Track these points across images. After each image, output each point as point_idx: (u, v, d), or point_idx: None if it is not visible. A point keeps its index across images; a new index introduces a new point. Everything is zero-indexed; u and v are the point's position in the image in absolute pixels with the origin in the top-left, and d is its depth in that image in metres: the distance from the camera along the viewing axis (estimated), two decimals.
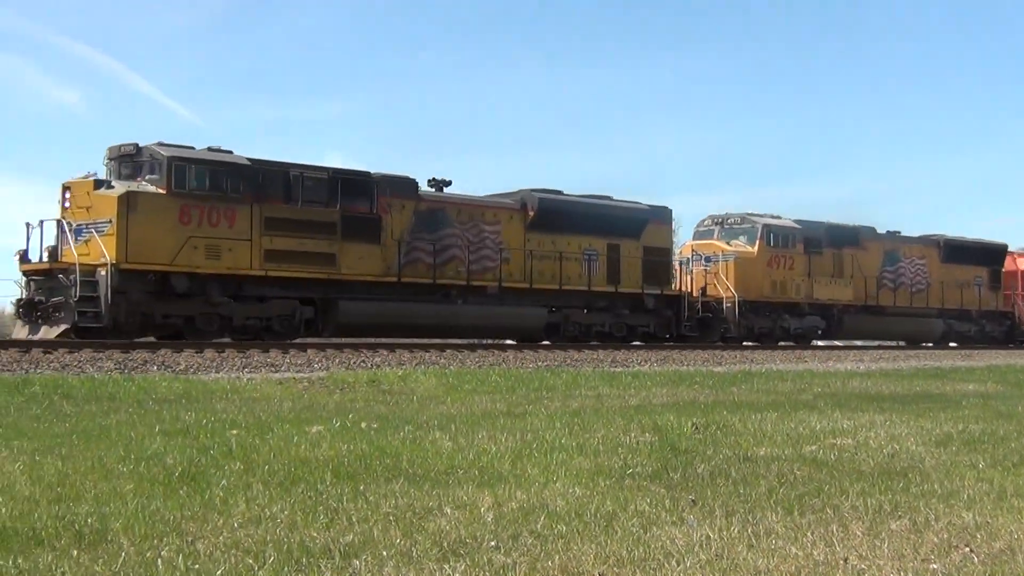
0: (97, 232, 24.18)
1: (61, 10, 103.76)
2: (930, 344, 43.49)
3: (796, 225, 39.33)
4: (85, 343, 22.88)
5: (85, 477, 7.11)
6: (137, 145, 25.22)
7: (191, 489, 6.69)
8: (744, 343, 36.75)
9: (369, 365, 22.12)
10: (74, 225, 24.36)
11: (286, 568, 4.82)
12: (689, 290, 35.56)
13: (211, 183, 25.46)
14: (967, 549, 5.36)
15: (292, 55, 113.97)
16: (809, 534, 5.59)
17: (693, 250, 37.93)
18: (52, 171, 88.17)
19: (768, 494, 6.74)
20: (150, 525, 5.55)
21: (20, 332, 24.59)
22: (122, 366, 19.50)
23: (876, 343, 45.22)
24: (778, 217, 39.40)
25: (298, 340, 26.67)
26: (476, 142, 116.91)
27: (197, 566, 4.81)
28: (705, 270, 36.87)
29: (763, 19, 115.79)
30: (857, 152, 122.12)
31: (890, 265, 42.56)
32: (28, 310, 24.36)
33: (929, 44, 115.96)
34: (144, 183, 24.85)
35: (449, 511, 6.04)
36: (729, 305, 36.12)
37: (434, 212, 29.68)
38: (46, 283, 24.45)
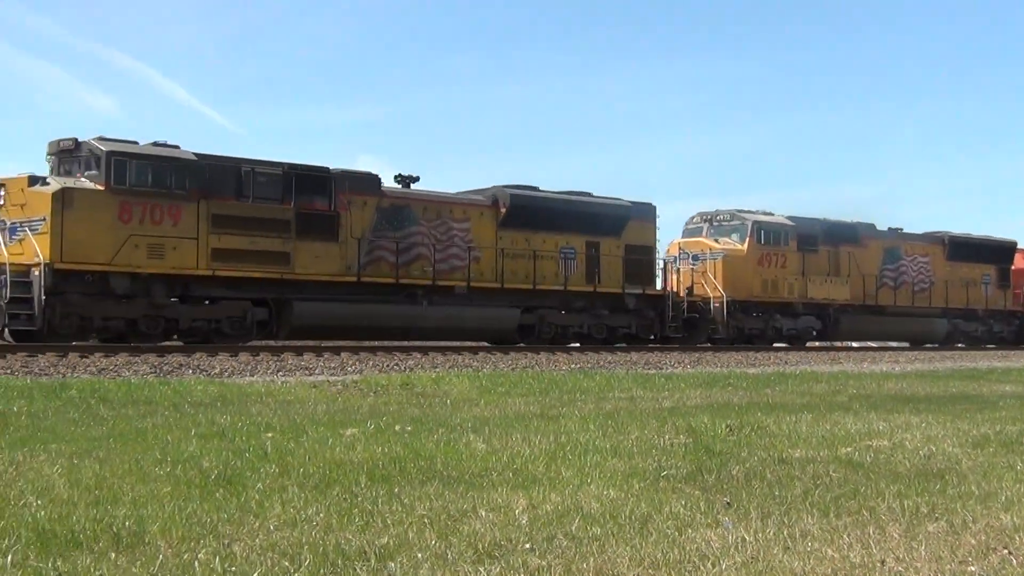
0: (31, 231, 23.39)
1: (95, 18, 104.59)
2: (935, 345, 42.25)
3: (789, 222, 38.06)
4: (122, 347, 23.05)
5: (122, 480, 7.16)
6: (76, 140, 24.42)
7: (227, 492, 6.72)
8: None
9: (402, 368, 22.17)
10: (8, 223, 23.68)
11: (322, 570, 4.84)
12: (675, 290, 34.49)
13: (154, 179, 24.47)
14: (1005, 551, 5.32)
15: (326, 60, 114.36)
16: (845, 536, 5.56)
17: (680, 248, 36.75)
18: None
19: (803, 496, 6.71)
20: (187, 527, 5.58)
21: None
22: (157, 370, 19.64)
23: (880, 343, 43.56)
24: (771, 214, 38.20)
25: (321, 343, 26.65)
26: (504, 145, 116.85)
27: (234, 568, 4.84)
28: (692, 269, 35.79)
29: (766, 23, 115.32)
30: (869, 154, 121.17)
31: (891, 263, 41.33)
32: None
33: (928, 43, 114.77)
34: (83, 179, 24.03)
35: (484, 513, 6.04)
36: (717, 305, 35.02)
37: (399, 209, 28.69)
38: None
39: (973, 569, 5.01)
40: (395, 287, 28.00)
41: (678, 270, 35.42)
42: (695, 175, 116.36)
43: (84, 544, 5.23)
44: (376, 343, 28.20)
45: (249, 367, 20.97)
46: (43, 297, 22.79)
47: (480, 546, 5.26)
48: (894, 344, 42.92)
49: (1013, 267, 46.34)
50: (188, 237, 24.76)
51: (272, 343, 27.27)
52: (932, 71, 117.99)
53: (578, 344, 31.10)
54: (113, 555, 5.02)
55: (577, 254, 31.83)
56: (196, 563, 4.89)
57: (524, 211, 30.70)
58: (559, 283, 31.11)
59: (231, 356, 22.67)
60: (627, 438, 9.58)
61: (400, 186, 29.43)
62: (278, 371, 20.63)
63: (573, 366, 24.71)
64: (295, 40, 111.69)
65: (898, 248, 41.85)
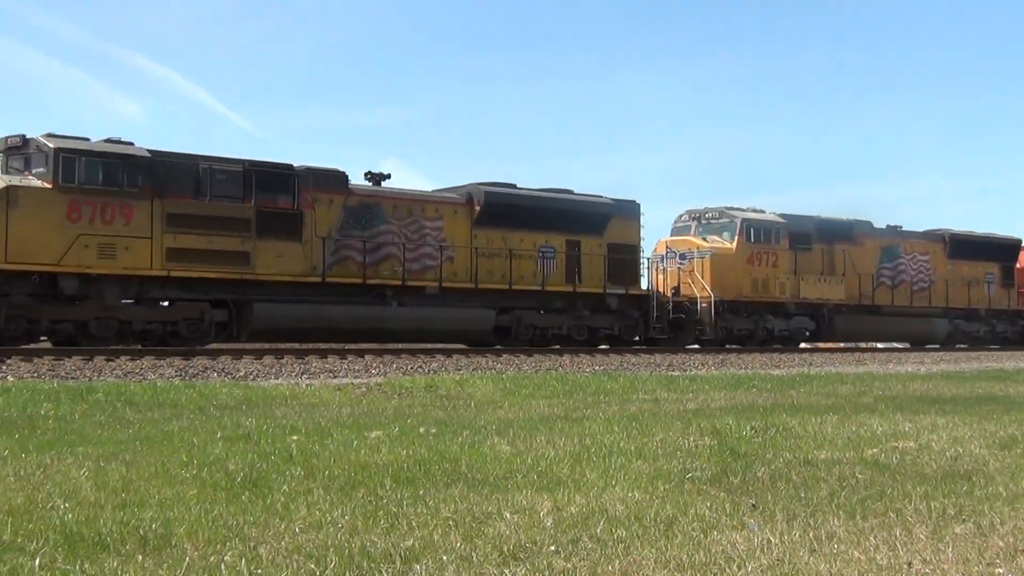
0: None
1: (121, 23, 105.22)
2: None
3: (780, 220, 36.75)
4: (147, 351, 23.15)
5: (149, 483, 7.19)
6: (24, 136, 23.70)
7: (253, 494, 6.75)
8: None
9: (426, 370, 22.21)
10: None
11: (347, 573, 4.85)
12: (661, 290, 33.46)
13: (104, 176, 23.59)
14: None
15: (348, 64, 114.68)
16: (872, 538, 5.54)
17: (668, 247, 35.46)
18: None
19: (829, 498, 6.68)
20: (213, 530, 5.61)
21: None
22: (183, 373, 19.75)
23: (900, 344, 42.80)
24: (761, 211, 36.97)
25: (346, 346, 26.67)
26: (532, 147, 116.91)
27: (260, 571, 4.86)
28: (679, 268, 34.63)
29: (767, 24, 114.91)
30: (873, 155, 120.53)
31: (888, 262, 40.04)
32: None
33: (928, 43, 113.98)
34: (30, 177, 23.25)
35: (508, 516, 6.05)
36: (704, 306, 33.78)
37: (367, 207, 27.67)
38: None
39: (1000, 571, 4.98)
40: (363, 288, 27.10)
41: (664, 269, 34.40)
42: (717, 176, 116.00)
43: (111, 546, 5.26)
44: (401, 346, 28.13)
45: (274, 370, 21.06)
46: None
47: (505, 548, 5.26)
48: (898, 345, 42.58)
49: (1018, 265, 45.04)
50: (141, 237, 23.93)
51: (296, 346, 27.29)
52: (931, 71, 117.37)
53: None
54: (140, 557, 5.05)
55: (557, 253, 30.86)
56: (222, 565, 4.92)
57: (500, 209, 29.75)
58: (537, 283, 30.15)
59: (255, 359, 22.76)
60: (652, 440, 9.56)
61: (371, 184, 28.61)
62: (302, 374, 20.70)
63: (597, 368, 24.70)
64: (318, 43, 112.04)
65: (896, 246, 40.68)
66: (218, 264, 24.79)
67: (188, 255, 24.40)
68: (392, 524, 5.82)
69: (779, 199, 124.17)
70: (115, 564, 4.93)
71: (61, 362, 20.24)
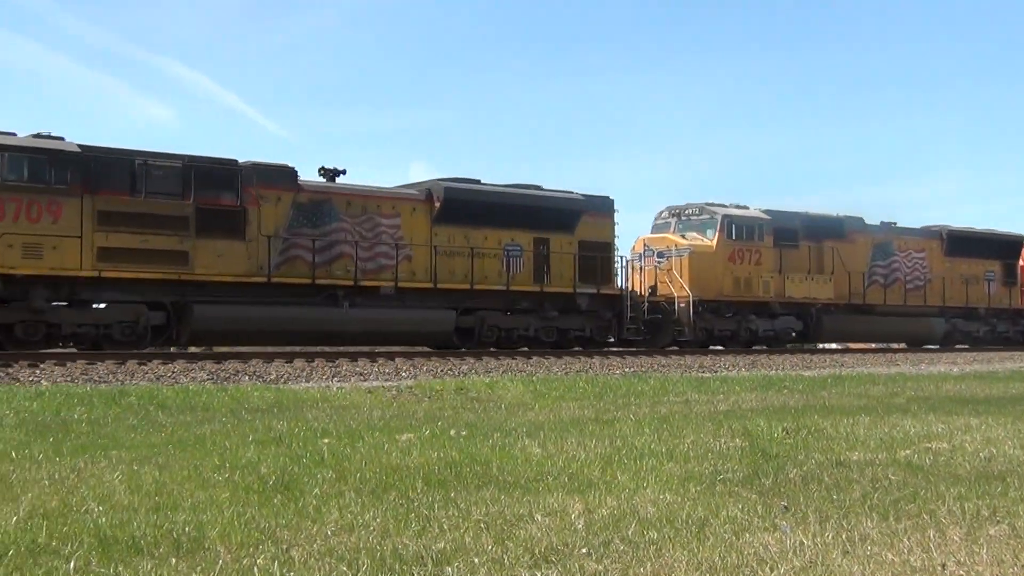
0: None
1: (152, 29, 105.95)
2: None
3: (764, 216, 35.43)
4: (178, 354, 23.28)
5: (182, 486, 7.23)
6: None
7: (285, 497, 6.77)
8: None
9: (456, 373, 22.24)
10: None
11: (379, 575, 4.86)
12: (638, 289, 32.28)
13: (30, 173, 22.64)
14: None
15: (379, 68, 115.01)
16: (905, 540, 5.51)
17: (645, 245, 34.29)
18: None
19: (862, 499, 6.65)
20: (246, 533, 5.63)
21: None
22: (214, 376, 19.87)
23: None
24: (744, 207, 35.57)
25: (375, 349, 26.72)
26: (562, 149, 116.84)
27: (292, 573, 4.87)
28: (657, 267, 33.43)
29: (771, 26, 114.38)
30: (876, 156, 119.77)
31: (881, 259, 38.65)
32: None
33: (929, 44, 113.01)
34: None
35: (540, 518, 6.04)
36: (683, 306, 32.49)
37: (318, 204, 26.56)
38: None
39: None
40: (312, 288, 26.04)
41: (642, 268, 33.19)
42: (749, 177, 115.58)
43: (145, 550, 5.29)
44: (431, 349, 28.01)
45: (304, 373, 21.15)
46: None
47: (537, 551, 5.26)
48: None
49: (1022, 263, 43.54)
50: (70, 235, 22.91)
51: (327, 349, 27.32)
52: (953, 68, 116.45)
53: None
54: (173, 560, 5.07)
55: (524, 251, 29.60)
56: (255, 568, 4.94)
57: (461, 205, 28.60)
58: (502, 283, 28.92)
59: (286, 362, 22.85)
60: (683, 442, 9.54)
61: (324, 180, 27.43)
62: (333, 377, 20.78)
63: (627, 370, 24.68)
64: (348, 47, 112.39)
65: (889, 243, 39.26)
66: (154, 264, 23.79)
67: (121, 255, 23.44)
68: (424, 527, 5.83)
69: (798, 200, 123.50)
70: (149, 567, 4.96)
71: (94, 366, 20.40)
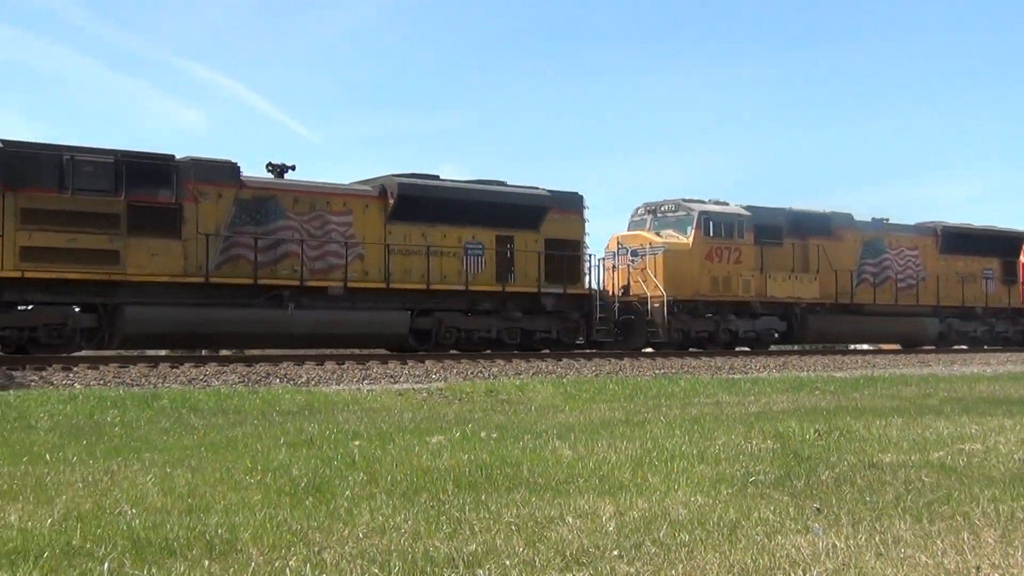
0: None
1: (181, 34, 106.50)
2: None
3: (744, 212, 33.72)
4: (210, 357, 23.40)
5: (214, 488, 7.27)
6: None
7: (316, 499, 6.80)
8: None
9: (486, 375, 22.28)
10: None
11: None
12: (611, 288, 31.14)
13: None
14: None
15: (408, 70, 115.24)
16: (939, 542, 5.47)
17: (619, 243, 32.67)
18: None
19: (895, 501, 6.61)
20: (278, 535, 5.66)
21: None
22: (246, 379, 19.98)
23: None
24: (724, 203, 33.95)
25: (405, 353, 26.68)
26: (594, 150, 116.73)
27: (324, 575, 4.89)
28: (630, 266, 31.95)
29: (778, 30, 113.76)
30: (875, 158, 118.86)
31: (871, 257, 36.90)
32: None
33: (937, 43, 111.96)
34: None
35: (571, 520, 6.04)
36: (657, 306, 30.88)
37: (263, 201, 25.15)
38: None
39: None
40: (254, 289, 24.66)
41: (617, 267, 31.95)
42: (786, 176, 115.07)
43: (178, 552, 5.32)
44: (460, 352, 27.78)
45: (335, 376, 21.25)
46: None
47: (568, 553, 5.26)
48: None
49: (1021, 260, 41.75)
50: None
51: (357, 351, 27.37)
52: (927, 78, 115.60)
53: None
54: (206, 562, 5.10)
55: (485, 250, 28.11)
56: (287, 570, 4.96)
57: (417, 202, 27.07)
58: (460, 282, 27.48)
59: (317, 364, 22.93)
60: (714, 444, 9.52)
61: (272, 176, 26.10)
62: (363, 379, 20.86)
63: (657, 371, 24.66)
64: (377, 50, 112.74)
65: (880, 240, 37.50)
66: (83, 264, 22.48)
67: (47, 254, 22.15)
68: (455, 529, 5.84)
69: (820, 200, 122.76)
70: (182, 569, 4.99)
71: (127, 369, 20.56)
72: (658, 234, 32.50)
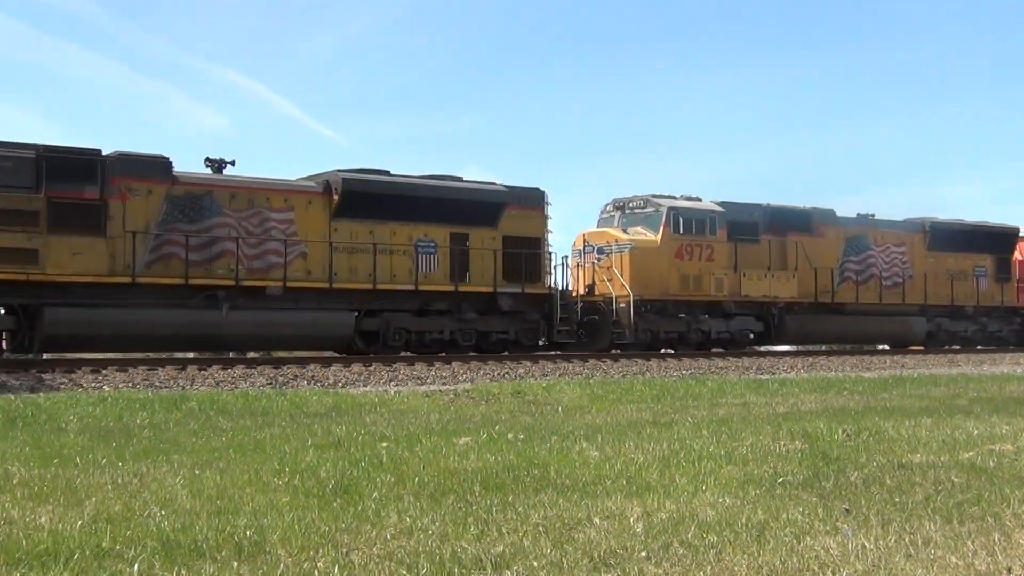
0: None
1: (206, 37, 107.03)
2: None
3: (717, 208, 32.31)
4: (238, 359, 23.49)
5: (243, 490, 7.30)
6: None
7: (344, 501, 6.82)
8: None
9: (513, 376, 22.30)
10: None
11: None
12: (575, 288, 30.09)
13: None
14: None
15: (431, 71, 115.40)
16: (970, 543, 5.44)
17: (585, 241, 31.44)
18: None
19: (925, 502, 6.58)
20: (306, 536, 5.67)
21: None
22: (273, 381, 20.06)
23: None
24: (697, 199, 32.54)
25: (430, 354, 26.70)
26: (611, 151, 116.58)
27: None
28: (596, 264, 30.77)
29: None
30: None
31: (855, 254, 35.46)
32: None
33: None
34: None
35: (598, 521, 6.04)
36: (623, 305, 29.64)
37: (196, 198, 24.00)
38: None
39: None
40: (186, 289, 23.56)
41: (584, 265, 30.99)
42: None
43: (207, 553, 5.34)
44: (487, 353, 27.64)
45: (362, 378, 21.31)
46: None
47: (596, 554, 5.25)
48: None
49: (1018, 257, 40.28)
50: None
51: (386, 354, 27.36)
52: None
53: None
54: (235, 564, 5.12)
55: (439, 248, 26.89)
56: (316, 572, 4.97)
57: (364, 198, 25.94)
58: (410, 281, 26.27)
59: (344, 367, 22.99)
60: (741, 444, 9.49)
61: (210, 171, 25.01)
62: (390, 381, 20.91)
63: (684, 372, 24.63)
64: (402, 51, 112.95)
65: (864, 237, 36.05)
66: (0, 263, 21.48)
67: None
68: (482, 530, 5.84)
69: (842, 202, 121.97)
70: (211, 571, 5.02)
71: (155, 372, 20.70)
72: (625, 231, 31.29)
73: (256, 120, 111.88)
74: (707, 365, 26.64)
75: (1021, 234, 40.81)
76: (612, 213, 32.33)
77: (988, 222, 40.32)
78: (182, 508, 6.63)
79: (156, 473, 8.09)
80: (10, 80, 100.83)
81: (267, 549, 5.43)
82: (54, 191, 21.95)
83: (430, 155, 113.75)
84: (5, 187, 21.51)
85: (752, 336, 33.36)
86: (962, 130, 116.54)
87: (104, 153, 22.93)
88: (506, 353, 27.31)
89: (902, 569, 4.97)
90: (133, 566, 5.04)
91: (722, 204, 32.57)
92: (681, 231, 31.18)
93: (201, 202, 24.03)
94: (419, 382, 20.86)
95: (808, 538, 5.58)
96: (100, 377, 19.83)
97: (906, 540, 5.50)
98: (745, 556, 5.19)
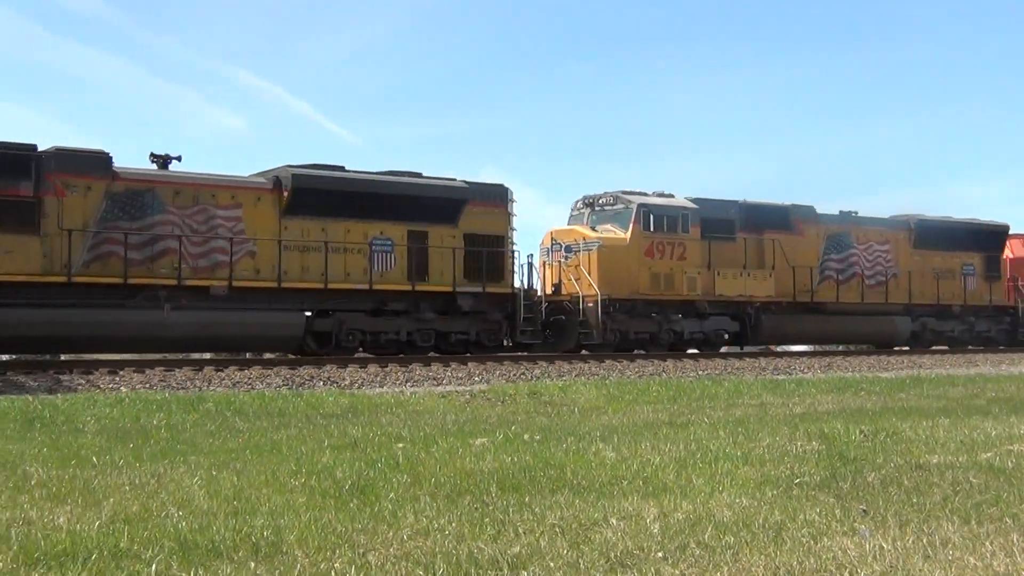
0: None
1: (222, 39, 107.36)
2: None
3: (690, 205, 31.30)
4: (254, 360, 23.54)
5: (259, 491, 7.31)
6: None
7: (361, 502, 6.83)
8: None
9: (529, 377, 22.29)
10: None
11: None
12: (540, 287, 29.31)
13: None
14: None
15: (447, 72, 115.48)
16: (988, 544, 5.41)
17: (553, 239, 30.57)
18: None
19: (943, 503, 6.55)
20: (323, 537, 5.68)
21: None
22: (290, 382, 20.10)
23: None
24: (669, 195, 31.56)
25: (462, 355, 26.69)
26: (611, 151, 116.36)
27: None
28: (563, 263, 29.86)
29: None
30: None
31: (836, 252, 34.51)
32: None
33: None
34: None
35: (615, 522, 6.03)
36: (590, 305, 28.77)
37: (138, 194, 23.16)
38: None
39: None
40: (125, 289, 22.77)
41: (552, 264, 30.09)
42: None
43: (224, 554, 5.36)
44: (503, 354, 27.57)
45: (378, 378, 21.33)
46: None
47: (612, 555, 5.25)
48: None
49: (1008, 255, 39.36)
50: None
51: (338, 355, 26.99)
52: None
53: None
54: (252, 564, 5.13)
55: (395, 246, 26.11)
56: (332, 572, 4.98)
57: (315, 195, 25.12)
58: (363, 281, 25.49)
59: (360, 368, 23.01)
60: (758, 445, 9.46)
61: (155, 167, 24.10)
62: (406, 382, 20.93)
63: (701, 372, 24.61)
64: (417, 53, 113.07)
65: (846, 234, 35.15)
66: None
67: None
68: (499, 531, 5.84)
69: (843, 202, 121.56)
70: (228, 571, 5.03)
71: (172, 373, 20.75)
72: (594, 229, 30.42)
73: (272, 121, 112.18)
74: (724, 366, 26.61)
75: (1011, 231, 40.08)
76: (582, 210, 31.57)
77: (977, 219, 39.56)
78: (199, 509, 6.65)
79: (173, 474, 8.12)
80: (28, 82, 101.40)
81: (284, 549, 5.44)
82: None
83: (446, 156, 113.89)
84: None
85: (727, 336, 32.57)
86: (962, 130, 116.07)
87: (40, 148, 22.31)
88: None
89: (920, 570, 4.95)
90: (151, 566, 5.06)
91: (696, 201, 31.72)
92: (652, 228, 30.31)
93: (143, 199, 23.26)
94: (435, 383, 20.88)
95: (825, 539, 5.57)
96: (117, 378, 19.90)
97: (924, 541, 5.48)
98: (762, 557, 5.18)
